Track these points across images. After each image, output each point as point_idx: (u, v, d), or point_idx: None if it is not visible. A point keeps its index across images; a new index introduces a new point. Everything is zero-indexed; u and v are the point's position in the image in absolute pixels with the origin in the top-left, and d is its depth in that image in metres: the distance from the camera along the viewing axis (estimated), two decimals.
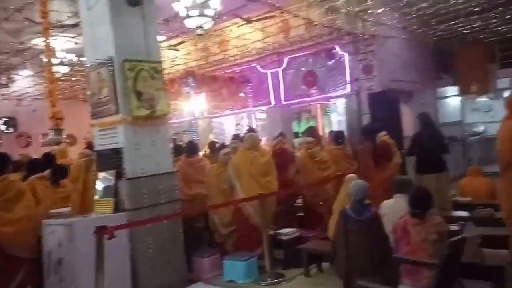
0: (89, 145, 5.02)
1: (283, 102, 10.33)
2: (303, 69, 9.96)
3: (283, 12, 7.45)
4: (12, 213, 4.25)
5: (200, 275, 4.78)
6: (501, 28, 9.57)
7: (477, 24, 9.01)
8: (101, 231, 3.39)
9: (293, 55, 9.97)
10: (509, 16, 8.72)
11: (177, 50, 9.41)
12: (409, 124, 9.31)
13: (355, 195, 3.53)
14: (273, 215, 5.09)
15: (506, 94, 10.89)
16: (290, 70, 10.16)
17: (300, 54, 9.84)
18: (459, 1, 7.40)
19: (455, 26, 9.03)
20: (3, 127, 12.29)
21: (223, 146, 7.22)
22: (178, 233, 4.60)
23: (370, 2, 7.51)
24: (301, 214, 6.07)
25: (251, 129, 8.91)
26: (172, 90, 9.37)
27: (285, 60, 10.12)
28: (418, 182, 5.82)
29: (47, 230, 4.15)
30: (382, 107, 8.28)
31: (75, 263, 3.81)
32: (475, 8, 7.96)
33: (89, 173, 4.70)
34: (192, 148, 6.16)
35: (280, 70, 10.24)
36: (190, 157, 5.92)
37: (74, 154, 6.56)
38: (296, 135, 10.61)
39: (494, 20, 8.89)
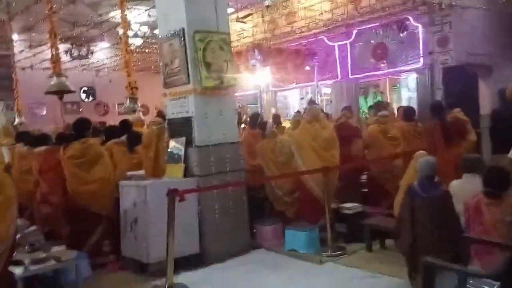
0: (161, 114, 5.26)
1: (350, 76, 10.05)
2: (372, 41, 9.54)
3: None
4: (91, 173, 4.64)
5: (262, 243, 4.92)
6: None
7: None
8: (173, 194, 3.60)
9: (362, 27, 9.55)
10: None
11: (244, 22, 9.44)
12: (487, 101, 8.67)
13: (422, 171, 3.42)
14: (335, 189, 5.07)
15: None
16: (359, 43, 9.80)
17: (370, 25, 9.41)
18: None
19: None
20: (83, 96, 13.21)
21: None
22: (243, 201, 4.77)
23: None
24: (365, 190, 5.97)
25: (312, 101, 8.78)
26: (239, 62, 9.47)
27: (354, 32, 9.74)
28: (494, 163, 5.49)
29: (123, 191, 4.48)
30: (458, 83, 7.77)
31: (148, 222, 4.10)
32: None
33: (160, 140, 4.95)
34: (256, 120, 6.24)
35: (348, 42, 9.89)
36: (254, 128, 6.02)
37: (146, 123, 6.96)
38: (363, 110, 10.34)
39: None
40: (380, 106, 6.98)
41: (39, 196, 4.74)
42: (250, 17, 9.31)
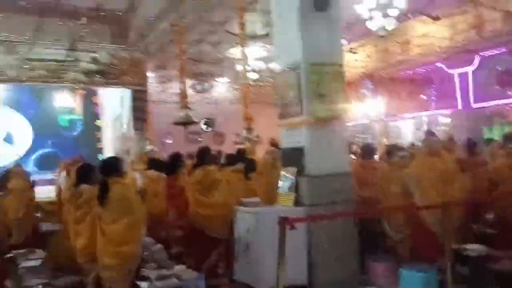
0: (274, 143, 5.48)
1: (472, 105, 9.34)
2: (498, 67, 8.82)
3: (477, 6, 6.75)
4: (209, 198, 5.00)
5: (372, 280, 4.73)
6: None
7: None
8: (284, 222, 3.70)
9: (486, 53, 8.91)
10: None
11: (355, 52, 9.45)
12: None
13: None
14: (457, 227, 4.69)
15: None
16: (482, 69, 9.11)
17: (495, 51, 8.73)
18: None
19: None
20: (204, 126, 14.33)
21: (399, 149, 6.95)
22: (353, 233, 4.66)
23: None
24: (491, 230, 5.41)
25: (430, 133, 8.27)
26: (349, 92, 9.43)
27: (476, 58, 9.12)
28: None
29: (238, 216, 4.72)
30: None
31: (260, 249, 4.24)
32: None
33: (274, 169, 5.14)
34: (368, 150, 6.13)
35: (470, 69, 9.27)
36: (365, 159, 5.91)
37: (259, 153, 7.27)
38: (488, 141, 9.44)
39: None
40: (509, 137, 6.32)
41: (171, 219, 5.20)
42: (361, 47, 9.28)
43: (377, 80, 9.73)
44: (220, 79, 11.35)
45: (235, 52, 8.42)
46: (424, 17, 6.95)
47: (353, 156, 6.85)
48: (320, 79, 4.40)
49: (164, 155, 7.68)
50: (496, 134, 9.79)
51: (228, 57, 8.94)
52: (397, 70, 10.34)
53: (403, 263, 4.63)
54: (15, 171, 6.69)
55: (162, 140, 13.00)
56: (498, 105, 9.21)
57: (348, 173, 4.75)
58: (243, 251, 4.53)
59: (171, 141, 13.42)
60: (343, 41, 8.12)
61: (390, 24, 6.14)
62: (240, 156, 5.69)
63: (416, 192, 4.81)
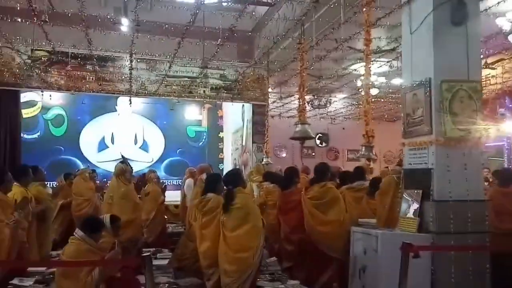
0: (401, 163, 5.21)
1: None
2: None
3: None
4: (327, 215, 4.94)
5: None
6: None
7: None
8: (408, 248, 3.47)
9: None
10: None
11: (493, 68, 8.55)
12: None
13: None
14: None
15: None
16: None
17: None
18: None
19: None
20: (318, 142, 14.28)
21: None
22: (485, 269, 4.17)
23: None
24: None
25: None
26: (485, 111, 8.55)
27: None
28: None
29: (355, 237, 4.57)
30: None
31: (377, 273, 4.04)
32: None
33: (398, 189, 4.89)
34: (506, 176, 5.46)
35: None
36: (504, 186, 5.26)
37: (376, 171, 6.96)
38: None
39: None
40: None
41: (283, 234, 5.28)
42: (500, 62, 8.37)
43: None
44: (338, 95, 11.25)
45: (357, 67, 8.27)
46: None
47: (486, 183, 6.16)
48: (454, 97, 4.08)
49: (278, 168, 7.84)
50: None
51: (349, 72, 8.81)
52: None
53: None
54: (151, 177, 7.47)
55: (276, 153, 13.31)
56: None
57: (482, 201, 4.28)
58: (359, 273, 4.37)
59: (285, 155, 13.66)
60: (480, 56, 7.47)
61: None
62: (357, 174, 5.52)
63: None
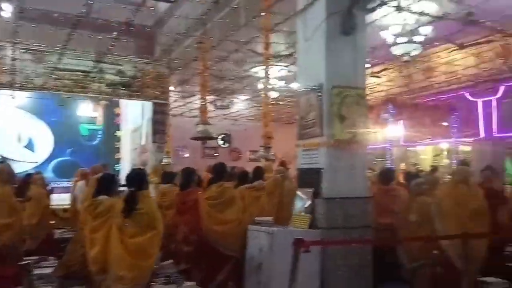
0: (283, 163, 5.45)
1: (495, 134, 9.16)
2: None
3: (505, 36, 6.68)
4: (224, 214, 4.95)
5: None
6: None
7: None
8: (299, 244, 3.63)
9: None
10: None
11: (378, 77, 9.42)
12: None
13: None
14: (480, 260, 4.50)
15: None
16: (508, 99, 8.96)
17: None
18: None
19: None
20: (221, 142, 14.38)
21: (418, 176, 6.78)
22: (368, 261, 4.54)
23: None
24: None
25: (463, 162, 8.09)
26: (370, 116, 9.37)
27: (502, 88, 8.98)
28: None
29: (251, 235, 4.66)
30: None
31: (272, 270, 4.17)
32: None
33: (283, 188, 5.09)
34: (387, 175, 6.01)
35: (494, 98, 9.13)
36: (384, 185, 5.79)
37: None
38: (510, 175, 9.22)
39: None
40: None
41: (181, 234, 5.17)
42: (385, 71, 9.24)
43: (399, 105, 9.64)
44: (240, 96, 11.45)
45: (257, 70, 8.49)
46: (450, 45, 6.89)
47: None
48: (343, 102, 4.38)
49: (179, 169, 7.71)
50: None
51: (250, 75, 9.02)
52: (419, 96, 10.25)
53: None
54: (36, 178, 6.82)
55: (178, 153, 13.10)
56: None
57: (366, 198, 4.66)
58: (255, 271, 4.47)
59: (187, 155, 13.50)
60: (367, 65, 8.15)
61: (415, 50, 6.11)
62: (256, 174, 5.65)
63: (439, 222, 4.64)
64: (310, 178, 4.64)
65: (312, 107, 4.51)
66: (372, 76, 9.09)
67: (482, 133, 9.39)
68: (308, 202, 4.57)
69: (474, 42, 7.10)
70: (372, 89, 10.14)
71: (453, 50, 7.61)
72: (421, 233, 4.79)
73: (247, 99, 11.78)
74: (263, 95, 5.85)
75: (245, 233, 4.76)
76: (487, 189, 5.60)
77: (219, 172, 5.18)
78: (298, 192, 4.76)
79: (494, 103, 9.15)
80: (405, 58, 6.19)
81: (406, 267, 4.91)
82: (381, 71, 9.06)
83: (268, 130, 5.12)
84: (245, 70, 8.67)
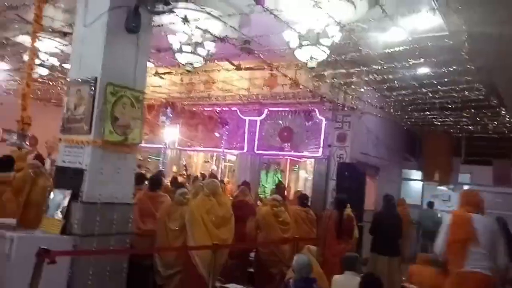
0: (40, 157, 4.79)
1: (255, 150, 10.41)
2: (281, 122, 10.18)
3: (273, 70, 7.68)
4: None
5: None
6: (470, 127, 10.23)
7: (448, 119, 9.62)
8: (43, 255, 3.19)
9: (274, 108, 10.19)
10: (478, 119, 9.34)
11: (162, 78, 9.41)
12: (371, 198, 9.50)
13: (298, 272, 3.53)
14: (222, 267, 4.93)
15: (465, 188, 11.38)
16: (268, 122, 10.35)
17: (281, 108, 10.08)
18: (436, 95, 7.88)
19: (429, 116, 9.60)
20: None
21: (181, 185, 7.03)
22: (122, 269, 4.36)
23: (355, 79, 7.86)
24: (252, 270, 5.93)
25: (213, 175, 8.87)
26: (149, 116, 9.30)
27: (265, 111, 10.31)
28: (372, 260, 5.88)
29: None
30: (349, 178, 8.45)
31: (8, 281, 3.53)
32: (449, 105, 8.51)
33: (35, 186, 4.49)
34: (155, 181, 5.93)
35: (258, 119, 10.40)
36: (152, 190, 5.70)
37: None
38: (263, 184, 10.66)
39: (465, 119, 9.50)
40: (277, 189, 7.20)
41: None
42: (169, 75, 9.31)
43: (178, 110, 9.89)
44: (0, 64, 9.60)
45: (25, 40, 7.18)
46: (229, 65, 7.46)
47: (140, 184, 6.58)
48: (117, 101, 4.11)
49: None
50: (270, 178, 11.14)
51: (16, 44, 7.64)
52: (197, 105, 10.79)
53: None
54: None
55: None
56: (276, 154, 10.55)
57: (129, 204, 4.48)
58: None
59: None
60: (150, 64, 8.03)
61: (198, 62, 6.34)
62: (9, 163, 4.75)
63: (190, 230, 4.86)
64: (69, 178, 4.18)
65: (82, 101, 4.08)
66: (155, 75, 9.01)
67: (245, 147, 10.51)
68: (64, 205, 4.10)
69: (249, 67, 7.89)
70: (154, 89, 10.08)
71: (231, 70, 8.26)
72: (180, 241, 4.95)
73: (9, 69, 9.94)
74: (26, 71, 4.91)
75: None
76: (241, 201, 6.28)
77: None
78: (53, 193, 4.22)
79: (258, 123, 10.40)
80: (188, 67, 6.35)
81: (161, 274, 4.97)
82: (165, 73, 9.08)
83: (25, 115, 4.34)
84: (7, 37, 7.28)
